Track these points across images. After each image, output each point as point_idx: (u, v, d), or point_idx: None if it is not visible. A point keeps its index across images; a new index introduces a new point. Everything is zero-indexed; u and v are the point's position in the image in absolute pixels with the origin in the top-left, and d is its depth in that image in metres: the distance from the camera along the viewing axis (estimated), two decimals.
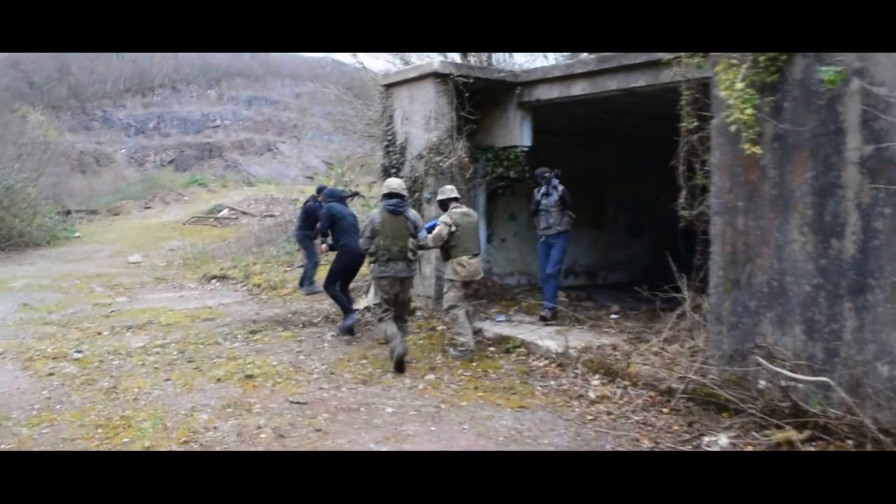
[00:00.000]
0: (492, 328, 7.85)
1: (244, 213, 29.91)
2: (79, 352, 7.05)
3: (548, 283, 8.53)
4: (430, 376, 6.42)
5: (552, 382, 6.31)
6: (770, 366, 4.97)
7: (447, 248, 7.36)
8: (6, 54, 46.54)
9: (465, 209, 7.52)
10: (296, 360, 6.88)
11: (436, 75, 8.45)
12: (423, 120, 8.67)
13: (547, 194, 8.45)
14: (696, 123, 5.96)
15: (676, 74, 6.00)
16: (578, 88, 8.20)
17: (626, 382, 6.09)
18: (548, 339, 7.16)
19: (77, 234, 25.15)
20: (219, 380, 6.10)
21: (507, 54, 11.82)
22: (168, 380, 6.11)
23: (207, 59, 59.99)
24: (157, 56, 56.39)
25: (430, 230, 7.36)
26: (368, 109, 19.25)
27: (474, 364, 6.89)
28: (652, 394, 5.86)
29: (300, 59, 66.75)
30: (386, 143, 9.30)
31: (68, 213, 29.41)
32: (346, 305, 8.33)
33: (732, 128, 5.18)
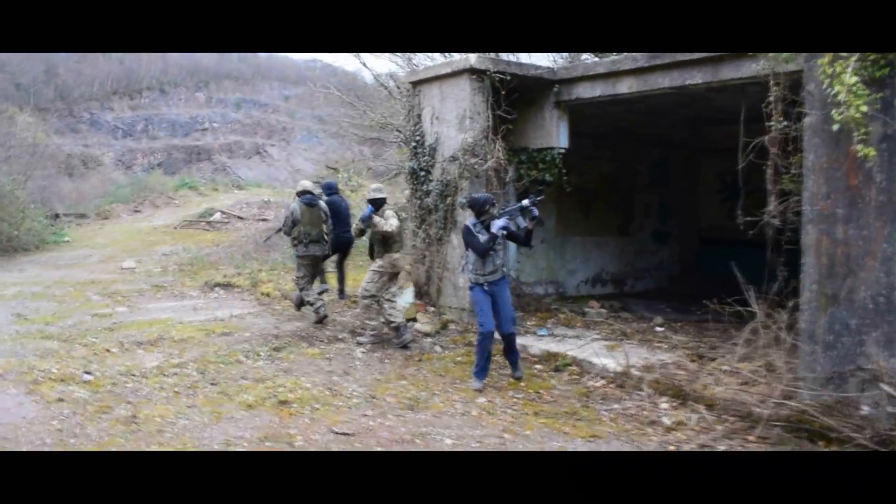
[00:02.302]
0: (536, 343, 7.25)
1: (237, 216, 29.22)
2: (88, 373, 6.37)
3: (485, 342, 6.21)
4: (481, 399, 5.82)
5: (616, 406, 5.73)
6: (891, 390, 4.41)
7: (389, 244, 7.61)
8: None
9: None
10: (329, 381, 6.25)
11: (472, 71, 7.86)
12: (456, 119, 8.08)
13: (507, 226, 6.24)
14: (783, 123, 5.37)
15: (763, 69, 5.44)
16: (625, 86, 7.64)
17: (700, 406, 5.52)
18: (602, 356, 6.58)
19: (67, 239, 24.36)
20: (250, 406, 5.46)
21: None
22: (192, 406, 5.45)
23: (195, 61, 59.26)
24: (145, 58, 55.62)
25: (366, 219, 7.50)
26: (372, 111, 18.68)
27: (523, 384, 6.30)
28: (732, 419, 5.30)
29: (289, 61, 66.12)
30: (413, 143, 8.69)
31: (56, 216, 28.55)
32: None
33: (835, 127, 4.64)
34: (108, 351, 7.32)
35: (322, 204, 8.70)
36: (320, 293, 9.09)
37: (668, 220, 12.20)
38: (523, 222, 6.24)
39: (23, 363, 6.80)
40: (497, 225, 6.12)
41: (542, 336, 7.58)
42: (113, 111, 53.29)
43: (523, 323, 8.09)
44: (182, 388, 5.93)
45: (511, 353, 6.44)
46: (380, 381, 6.31)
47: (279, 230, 9.70)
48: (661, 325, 8.33)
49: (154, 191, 38.25)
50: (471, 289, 6.38)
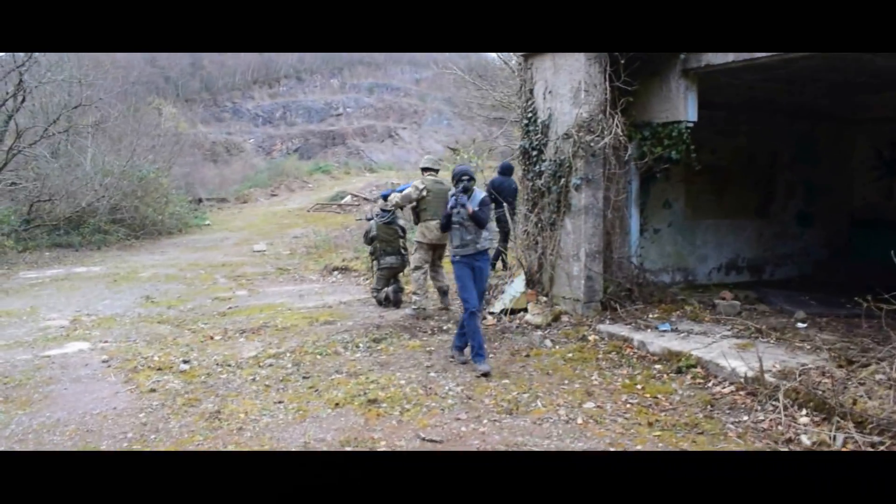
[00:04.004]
0: (656, 340, 6.52)
1: (366, 199, 29.66)
2: (186, 362, 6.34)
3: (473, 321, 6.15)
4: (589, 404, 5.23)
5: (746, 418, 4.97)
6: None
7: (418, 212, 8.32)
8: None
9: (438, 177, 8.49)
10: (426, 377, 5.86)
11: None
12: (570, 93, 7.41)
13: (457, 204, 6.23)
14: None
15: None
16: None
17: (848, 423, 4.67)
18: (732, 357, 5.78)
19: (207, 222, 25.57)
20: (337, 404, 5.16)
21: None
22: (280, 402, 5.23)
23: None
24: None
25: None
26: (494, 91, 18.20)
27: (639, 387, 5.64)
28: (888, 441, 4.43)
29: None
30: (525, 121, 8.09)
31: (200, 201, 30.16)
32: None
33: None
34: (211, 338, 7.32)
35: (399, 221, 9.23)
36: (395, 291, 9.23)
37: (814, 200, 10.91)
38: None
39: (130, 349, 6.90)
40: (449, 203, 6.35)
41: (664, 332, 6.82)
42: (253, 100, 55.76)
43: (644, 316, 7.37)
44: (273, 382, 5.74)
45: (472, 328, 6.18)
46: (480, 378, 5.84)
47: (369, 219, 10.05)
48: (803, 321, 7.33)
49: (290, 175, 39.69)
50: (452, 261, 6.48)
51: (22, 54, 17.31)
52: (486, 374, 5.93)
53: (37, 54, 17.82)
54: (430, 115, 59.48)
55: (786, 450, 4.46)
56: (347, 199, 30.72)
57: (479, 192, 6.36)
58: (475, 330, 6.14)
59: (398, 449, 4.38)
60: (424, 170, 8.59)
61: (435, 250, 8.50)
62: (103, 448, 4.40)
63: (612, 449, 4.42)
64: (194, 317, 8.70)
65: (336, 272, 12.88)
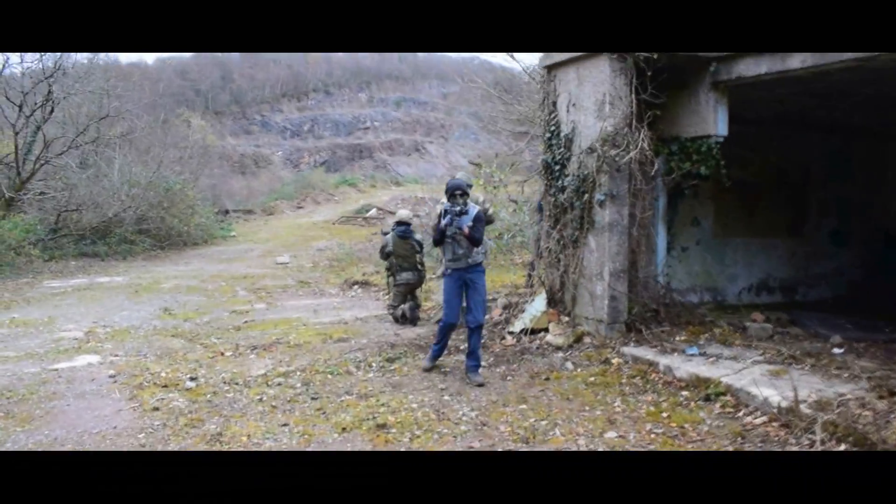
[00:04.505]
0: (683, 365, 6.19)
1: (391, 212, 29.63)
2: (193, 379, 6.15)
3: (475, 336, 6.32)
4: (611, 434, 4.93)
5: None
6: None
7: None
8: (175, 64, 49.47)
9: None
10: (439, 401, 5.59)
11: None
12: (594, 106, 7.15)
13: (452, 223, 6.21)
14: None
15: None
16: (798, 61, 6.40)
17: None
18: (764, 385, 5.44)
19: (233, 234, 25.66)
20: (344, 429, 4.91)
21: None
22: (285, 425, 5.00)
23: (358, 63, 61.28)
24: (311, 61, 58.21)
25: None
26: (519, 104, 17.98)
27: (665, 415, 5.33)
28: None
29: (447, 59, 66.77)
30: (548, 134, 7.83)
31: (226, 212, 30.31)
32: None
33: None
34: (221, 354, 7.14)
35: (415, 236, 9.18)
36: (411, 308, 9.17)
37: (848, 218, 10.51)
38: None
39: (139, 364, 6.75)
40: (443, 220, 6.26)
41: (692, 356, 6.49)
42: (282, 113, 56.22)
43: (670, 339, 7.03)
44: (280, 402, 5.52)
45: (472, 348, 6.33)
46: (496, 403, 5.57)
47: (385, 233, 9.89)
48: (839, 346, 6.95)
49: (316, 187, 39.82)
50: (443, 275, 6.56)
51: (51, 63, 17.47)
52: (428, 370, 6.44)
53: (66, 66, 17.98)
54: (456, 129, 59.56)
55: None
56: (373, 212, 30.72)
57: (473, 209, 6.29)
58: (443, 338, 6.54)
59: None
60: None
61: None
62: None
63: None
64: (209, 331, 8.55)
65: (356, 286, 12.73)
